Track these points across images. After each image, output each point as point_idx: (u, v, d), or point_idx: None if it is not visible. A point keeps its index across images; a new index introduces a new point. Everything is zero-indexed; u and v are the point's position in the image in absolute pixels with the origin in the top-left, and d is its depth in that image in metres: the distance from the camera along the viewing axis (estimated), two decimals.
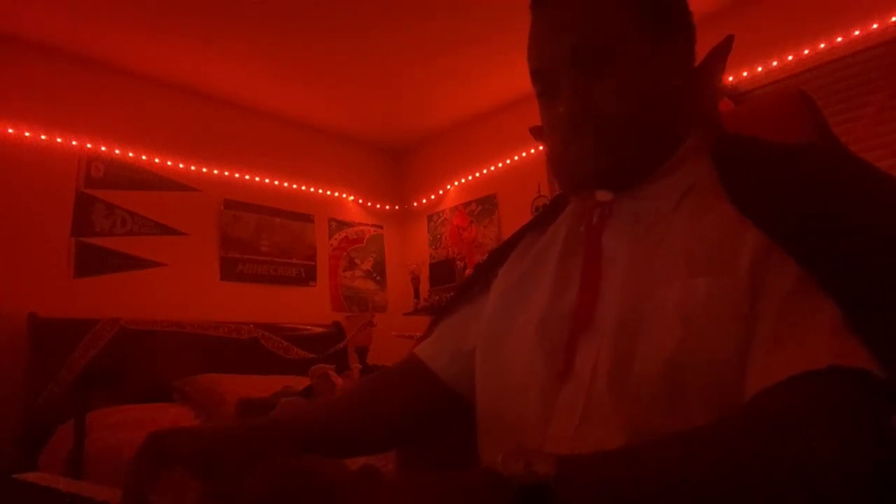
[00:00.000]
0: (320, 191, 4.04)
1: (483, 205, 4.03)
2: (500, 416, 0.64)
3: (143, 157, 3.19)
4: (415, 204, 4.49)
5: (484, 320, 0.71)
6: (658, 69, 0.61)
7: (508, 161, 3.89)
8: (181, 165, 3.34)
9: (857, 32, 2.53)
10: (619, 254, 0.61)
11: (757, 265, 0.51)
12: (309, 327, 3.57)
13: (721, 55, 0.68)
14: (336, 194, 4.15)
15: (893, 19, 2.46)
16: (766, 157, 0.60)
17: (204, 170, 3.43)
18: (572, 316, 0.60)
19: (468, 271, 3.87)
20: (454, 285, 3.89)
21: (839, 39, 2.58)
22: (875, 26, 2.49)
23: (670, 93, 0.62)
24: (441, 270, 4.08)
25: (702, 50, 0.68)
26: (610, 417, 0.53)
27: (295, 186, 3.89)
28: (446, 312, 0.80)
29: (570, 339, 0.59)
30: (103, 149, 3.05)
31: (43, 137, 2.86)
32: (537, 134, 0.77)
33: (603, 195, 0.66)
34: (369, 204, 4.37)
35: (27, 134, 2.82)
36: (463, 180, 4.17)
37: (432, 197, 4.38)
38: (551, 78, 0.63)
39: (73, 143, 2.95)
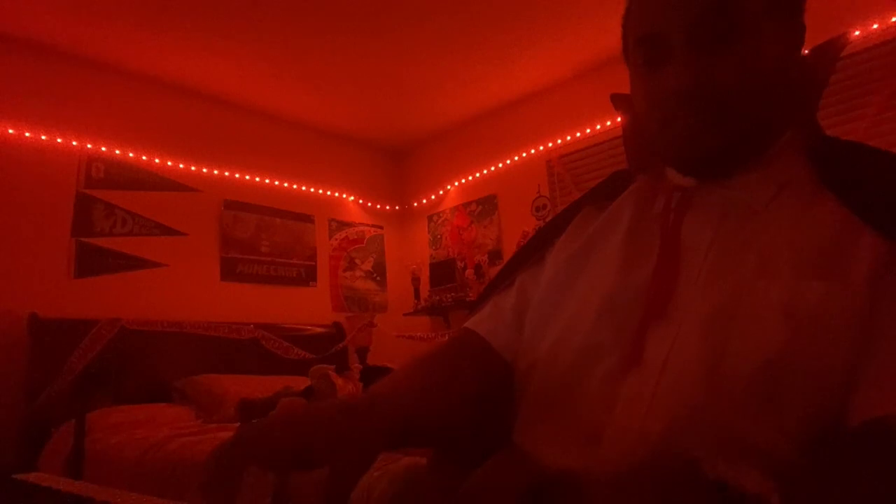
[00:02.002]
0: (320, 191, 4.04)
1: (483, 205, 4.03)
2: (551, 394, 0.61)
3: (143, 158, 3.19)
4: (415, 204, 4.49)
5: (538, 292, 0.68)
6: (778, 50, 0.57)
7: (508, 161, 3.89)
8: (181, 165, 3.34)
9: (857, 32, 2.53)
10: (701, 243, 0.57)
11: (878, 274, 0.48)
12: (309, 327, 3.57)
13: (834, 51, 0.64)
14: (336, 195, 4.15)
15: (893, 19, 2.46)
16: (883, 162, 0.57)
17: (204, 170, 3.44)
18: (643, 300, 0.57)
19: (468, 272, 3.86)
20: (454, 285, 3.89)
21: None
22: (875, 26, 2.49)
23: (784, 77, 0.58)
24: (441, 271, 4.08)
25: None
26: (684, 413, 0.50)
27: (295, 187, 3.89)
28: (501, 283, 0.75)
29: (642, 324, 0.55)
30: (103, 149, 3.05)
31: (43, 137, 2.86)
32: (619, 103, 0.70)
33: (682, 179, 0.62)
34: (369, 204, 4.37)
35: (27, 134, 2.82)
36: (463, 180, 4.17)
37: (432, 197, 4.38)
38: (662, 46, 0.58)
39: (73, 143, 2.95)
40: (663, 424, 0.51)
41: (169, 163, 3.29)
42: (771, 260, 0.53)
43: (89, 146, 3.01)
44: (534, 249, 0.74)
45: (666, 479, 0.35)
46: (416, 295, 4.04)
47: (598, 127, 3.40)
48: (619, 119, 0.71)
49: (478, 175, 4.08)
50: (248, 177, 3.64)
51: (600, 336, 0.58)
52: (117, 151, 3.10)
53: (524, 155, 3.80)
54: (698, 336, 0.52)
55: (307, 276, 3.85)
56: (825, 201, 0.55)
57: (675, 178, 0.64)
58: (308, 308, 3.76)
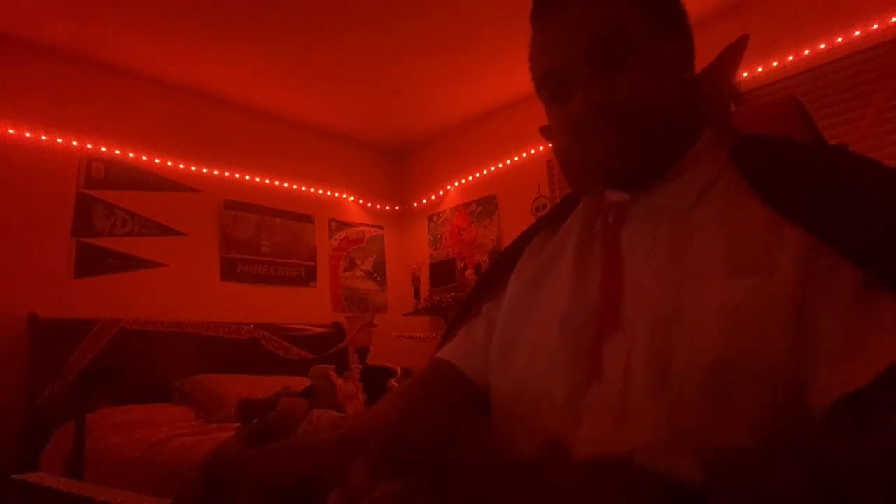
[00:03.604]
0: (320, 191, 4.04)
1: (483, 205, 4.03)
2: (521, 416, 0.63)
3: (144, 158, 3.19)
4: (415, 204, 4.49)
5: (500, 318, 0.70)
6: (670, 64, 0.61)
7: (508, 161, 3.89)
8: (181, 166, 3.34)
9: (857, 32, 2.53)
10: (640, 252, 0.60)
11: (804, 266, 0.50)
12: (309, 327, 3.57)
13: (735, 53, 0.67)
14: (336, 195, 4.15)
15: (893, 19, 2.46)
16: (798, 156, 0.59)
17: (204, 170, 3.44)
18: (596, 314, 0.59)
19: (468, 272, 3.86)
20: (454, 285, 3.89)
21: (839, 40, 2.58)
22: (875, 26, 2.49)
23: (683, 88, 0.62)
24: (441, 271, 4.08)
25: (712, 49, 0.68)
26: (648, 419, 0.52)
27: (295, 187, 3.89)
28: (467, 313, 0.78)
29: (596, 337, 0.58)
30: (103, 149, 3.05)
31: (43, 137, 2.86)
32: (547, 134, 0.74)
33: (616, 195, 0.66)
34: (369, 204, 4.37)
35: (27, 134, 2.82)
36: (463, 181, 4.17)
37: (432, 197, 4.38)
38: (564, 79, 0.62)
39: (74, 143, 2.96)
40: (630, 433, 0.52)
41: (169, 163, 3.29)
42: (704, 261, 0.55)
43: (89, 146, 3.01)
44: (496, 278, 0.77)
45: (612, 479, 0.35)
46: (416, 295, 4.04)
47: None
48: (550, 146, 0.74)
49: (478, 175, 4.08)
50: (248, 177, 3.64)
51: (561, 355, 0.60)
52: (117, 151, 3.10)
53: (524, 155, 3.80)
54: (647, 343, 0.54)
55: (307, 276, 3.85)
56: (748, 198, 0.57)
57: (611, 195, 0.67)
58: (308, 308, 3.76)
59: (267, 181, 3.74)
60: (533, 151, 3.74)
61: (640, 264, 0.59)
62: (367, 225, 4.33)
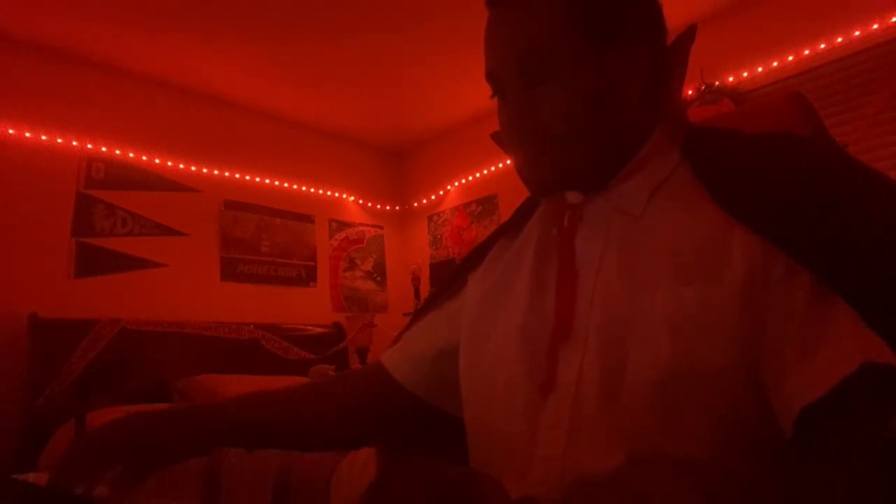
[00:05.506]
0: (321, 191, 4.04)
1: (483, 205, 4.03)
2: (487, 431, 0.62)
3: (144, 158, 3.19)
4: (415, 204, 4.49)
5: (463, 330, 0.69)
6: (610, 75, 0.59)
7: (509, 161, 3.87)
8: (181, 166, 3.34)
9: (857, 32, 2.53)
10: (593, 258, 0.59)
11: (754, 271, 0.49)
12: (309, 328, 3.57)
13: (683, 47, 0.65)
14: (336, 195, 4.15)
15: (893, 19, 2.45)
16: (746, 151, 0.58)
17: (204, 170, 3.43)
18: (551, 323, 0.58)
19: None
20: None
21: (839, 39, 2.58)
22: (875, 26, 2.49)
23: (626, 97, 0.60)
24: (442, 271, 4.08)
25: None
26: (601, 433, 0.51)
27: (295, 187, 3.89)
28: (415, 321, 0.79)
29: (551, 348, 0.57)
30: (103, 149, 3.05)
31: (43, 138, 2.86)
32: (497, 139, 0.74)
33: (573, 197, 0.64)
34: (370, 204, 4.37)
35: (27, 134, 2.82)
36: (463, 181, 4.17)
37: (433, 197, 4.38)
38: (501, 81, 0.63)
39: (74, 143, 2.95)
40: (581, 449, 0.51)
41: (169, 163, 3.29)
42: (653, 268, 0.54)
43: (89, 146, 3.01)
44: (449, 286, 0.77)
45: None
46: (417, 295, 4.03)
47: None
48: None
49: (478, 175, 4.08)
50: (248, 177, 3.64)
51: (519, 366, 0.59)
52: (117, 151, 3.10)
53: None
54: (599, 355, 0.53)
55: (307, 277, 3.85)
56: (700, 197, 0.56)
57: (569, 195, 0.65)
58: (308, 308, 3.75)
59: (267, 181, 3.74)
60: None
61: (593, 272, 0.58)
62: (367, 225, 4.33)
